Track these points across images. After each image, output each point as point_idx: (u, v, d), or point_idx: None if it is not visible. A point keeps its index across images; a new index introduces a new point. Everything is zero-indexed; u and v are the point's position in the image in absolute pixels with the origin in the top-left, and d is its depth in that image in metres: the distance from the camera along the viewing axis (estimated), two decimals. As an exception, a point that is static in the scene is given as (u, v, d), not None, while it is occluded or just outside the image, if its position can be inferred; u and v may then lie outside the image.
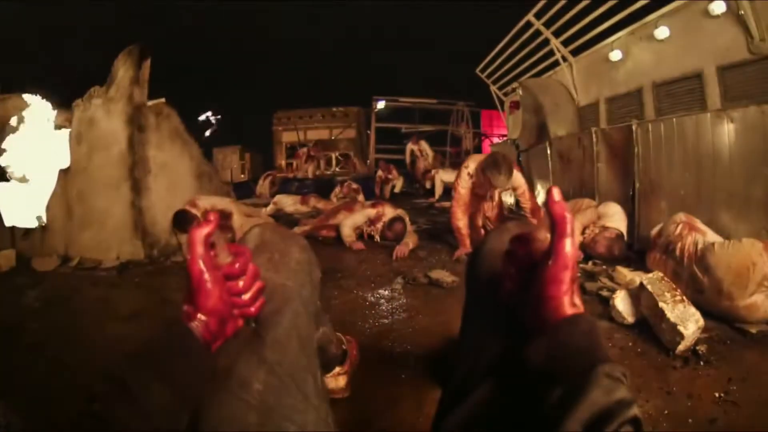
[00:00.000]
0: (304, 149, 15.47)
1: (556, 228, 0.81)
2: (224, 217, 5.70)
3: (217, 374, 0.88)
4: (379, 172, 14.79)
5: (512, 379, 0.86)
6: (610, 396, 0.69)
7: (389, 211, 6.21)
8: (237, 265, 0.86)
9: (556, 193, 0.81)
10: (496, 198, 5.56)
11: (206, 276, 0.80)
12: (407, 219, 6.13)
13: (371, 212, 6.27)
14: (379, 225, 6.17)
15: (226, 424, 0.85)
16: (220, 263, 0.84)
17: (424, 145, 14.93)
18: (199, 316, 0.81)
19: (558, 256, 0.81)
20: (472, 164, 5.21)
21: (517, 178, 5.11)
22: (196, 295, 0.81)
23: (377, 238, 6.22)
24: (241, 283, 0.86)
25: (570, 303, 0.81)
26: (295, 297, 1.08)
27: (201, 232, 0.81)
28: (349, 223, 6.14)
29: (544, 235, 0.84)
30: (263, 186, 13.77)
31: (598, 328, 0.79)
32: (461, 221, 5.23)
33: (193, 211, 5.06)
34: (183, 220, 5.11)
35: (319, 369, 1.10)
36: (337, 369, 2.20)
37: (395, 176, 14.42)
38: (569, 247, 0.80)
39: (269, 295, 0.96)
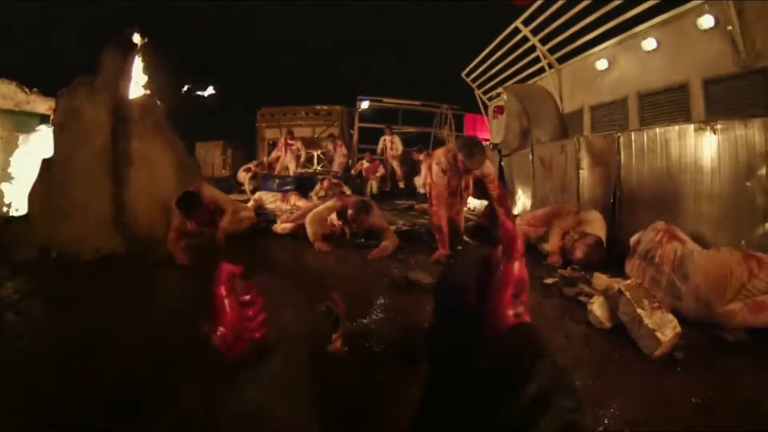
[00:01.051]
0: (281, 139, 15.28)
1: (506, 250, 0.94)
2: (217, 212, 5.72)
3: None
4: (364, 162, 14.76)
5: (472, 384, 0.95)
6: (547, 390, 0.78)
7: (354, 200, 5.95)
8: (248, 297, 1.09)
9: (509, 221, 0.94)
10: (471, 187, 5.42)
11: (227, 299, 0.94)
12: (374, 205, 5.99)
13: (336, 204, 6.01)
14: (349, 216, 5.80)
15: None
16: (237, 292, 1.00)
17: (397, 139, 14.96)
18: (220, 329, 1.03)
19: (503, 274, 0.95)
20: (443, 159, 5.13)
21: (488, 165, 5.08)
22: (219, 313, 1.04)
23: (348, 231, 6.16)
24: (251, 312, 1.00)
25: (513, 314, 0.93)
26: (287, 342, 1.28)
27: (229, 269, 1.05)
28: (314, 219, 5.86)
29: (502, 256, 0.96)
30: (243, 176, 13.88)
31: (540, 334, 0.90)
32: (443, 219, 5.18)
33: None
34: (190, 202, 5.26)
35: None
36: (333, 336, 2.44)
37: (380, 172, 14.42)
38: (515, 268, 0.93)
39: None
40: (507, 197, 5.35)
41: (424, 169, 13.68)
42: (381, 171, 14.53)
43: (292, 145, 14.54)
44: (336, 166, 15.45)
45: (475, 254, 1.32)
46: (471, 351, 1.03)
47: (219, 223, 5.79)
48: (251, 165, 14.50)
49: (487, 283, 1.02)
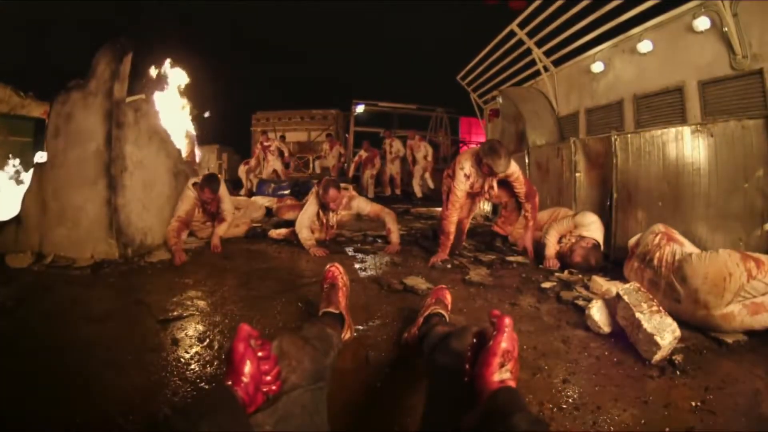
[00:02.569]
0: (257, 145, 15.28)
1: (498, 329, 1.26)
2: (217, 217, 6.02)
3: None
4: (362, 152, 14.70)
5: None
6: None
7: (322, 181, 5.87)
8: (263, 353, 1.32)
9: (498, 315, 1.29)
10: (496, 188, 5.26)
11: (246, 354, 1.25)
12: (349, 187, 5.95)
13: (316, 199, 5.88)
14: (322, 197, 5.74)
15: None
16: (254, 348, 1.30)
17: (397, 142, 14.98)
18: (243, 379, 1.22)
19: (492, 347, 1.24)
20: (466, 164, 5.05)
21: (512, 163, 5.03)
22: (240, 366, 1.24)
23: (333, 221, 6.11)
24: (266, 367, 1.31)
25: (498, 380, 1.21)
26: (303, 387, 1.48)
27: (249, 330, 1.30)
28: (304, 222, 5.76)
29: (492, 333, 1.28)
30: (242, 169, 14.52)
31: (519, 395, 1.19)
32: (454, 225, 5.15)
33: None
34: (213, 182, 5.71)
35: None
36: (342, 334, 2.48)
37: (377, 165, 14.41)
38: (503, 343, 1.24)
39: (286, 385, 1.42)
40: (535, 194, 5.31)
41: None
42: (378, 163, 14.55)
43: (269, 146, 14.52)
44: (328, 164, 15.39)
45: (465, 332, 1.59)
46: (462, 412, 1.21)
47: (216, 228, 5.80)
48: (250, 160, 14.66)
49: (479, 354, 1.29)
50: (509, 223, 5.61)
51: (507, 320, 1.26)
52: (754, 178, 3.98)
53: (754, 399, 2.24)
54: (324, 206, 5.82)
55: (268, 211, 8.35)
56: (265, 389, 1.28)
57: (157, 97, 7.82)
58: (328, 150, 15.96)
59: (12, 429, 1.97)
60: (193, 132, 9.89)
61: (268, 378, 1.30)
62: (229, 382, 1.20)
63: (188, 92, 8.64)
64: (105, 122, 5.02)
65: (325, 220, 6.03)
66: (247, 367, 1.24)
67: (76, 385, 2.27)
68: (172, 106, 8.28)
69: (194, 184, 5.69)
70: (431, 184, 14.13)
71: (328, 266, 2.98)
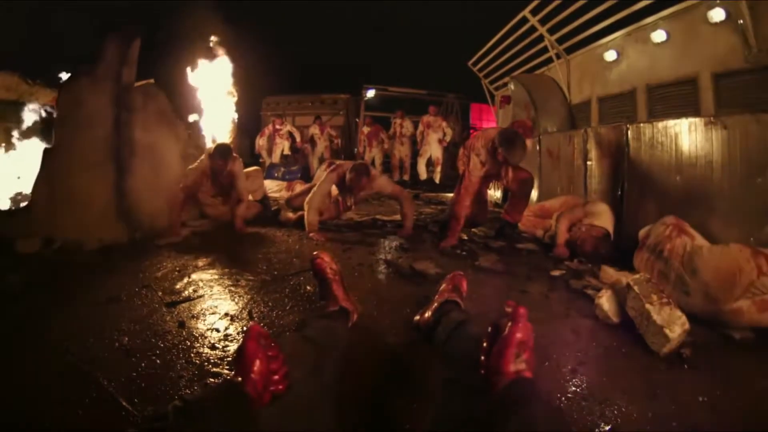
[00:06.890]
0: (268, 126, 14.94)
1: (513, 320, 1.29)
2: (233, 190, 6.00)
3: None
4: (364, 128, 14.62)
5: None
6: None
7: (351, 164, 5.74)
8: (272, 352, 1.36)
9: (514, 305, 1.32)
10: (510, 174, 5.29)
11: (257, 352, 1.30)
12: (370, 167, 5.89)
13: (332, 177, 5.75)
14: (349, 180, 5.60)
15: None
16: (263, 347, 1.34)
17: (408, 122, 14.65)
18: (252, 376, 1.26)
19: (506, 337, 1.27)
20: (482, 150, 5.06)
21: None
22: (250, 364, 1.28)
23: (351, 202, 6.03)
24: (275, 366, 1.35)
25: (514, 370, 1.22)
26: (307, 382, 1.53)
27: (259, 330, 1.37)
28: (314, 203, 5.58)
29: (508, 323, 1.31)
30: (257, 141, 14.76)
31: (535, 386, 1.21)
32: (465, 210, 5.16)
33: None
34: (224, 149, 5.73)
35: None
36: (349, 324, 2.56)
37: (385, 143, 14.20)
38: (518, 333, 1.26)
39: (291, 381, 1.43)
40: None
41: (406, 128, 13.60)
42: (386, 141, 14.32)
43: (280, 129, 14.50)
44: (320, 151, 15.03)
45: (487, 320, 1.51)
46: (477, 402, 1.21)
47: (236, 211, 5.79)
48: (264, 132, 14.86)
49: (494, 345, 1.30)
50: (518, 210, 5.58)
51: (522, 311, 1.28)
52: (767, 174, 3.93)
53: (760, 397, 2.23)
54: (349, 190, 5.78)
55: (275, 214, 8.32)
56: (272, 388, 1.32)
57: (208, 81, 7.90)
58: (319, 135, 14.95)
59: (18, 412, 1.98)
60: (235, 117, 9.96)
61: (276, 377, 1.34)
62: (239, 379, 1.24)
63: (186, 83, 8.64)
64: (113, 107, 5.02)
65: (340, 200, 6.00)
66: (257, 366, 1.28)
67: (83, 369, 2.27)
68: (220, 91, 8.35)
69: (208, 154, 5.71)
70: (437, 179, 13.89)
71: (312, 259, 2.93)
